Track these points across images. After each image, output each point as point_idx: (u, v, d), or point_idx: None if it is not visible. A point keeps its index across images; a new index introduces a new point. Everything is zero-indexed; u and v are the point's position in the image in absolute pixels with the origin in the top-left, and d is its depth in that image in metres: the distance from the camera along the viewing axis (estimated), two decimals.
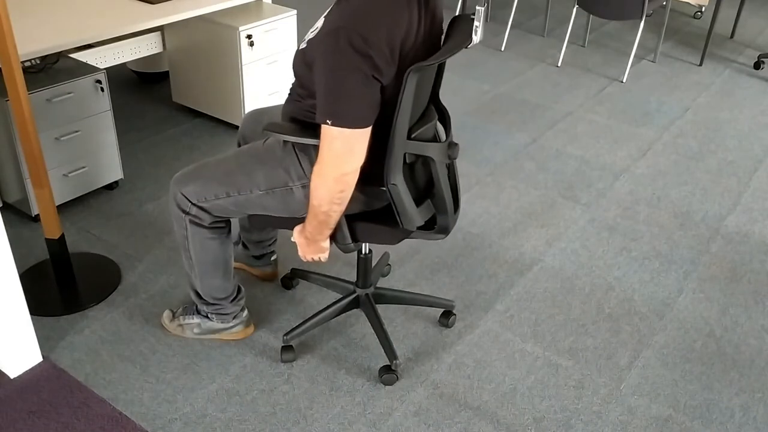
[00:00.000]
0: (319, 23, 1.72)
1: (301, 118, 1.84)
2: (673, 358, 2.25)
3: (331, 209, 1.76)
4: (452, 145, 1.84)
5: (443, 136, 1.92)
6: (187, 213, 1.96)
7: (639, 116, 3.91)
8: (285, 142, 1.87)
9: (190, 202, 1.94)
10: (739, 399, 2.12)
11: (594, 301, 2.49)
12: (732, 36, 5.21)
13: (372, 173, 1.75)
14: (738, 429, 2.02)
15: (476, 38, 1.75)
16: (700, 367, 2.23)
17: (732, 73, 4.55)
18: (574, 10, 4.53)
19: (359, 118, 1.64)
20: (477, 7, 1.81)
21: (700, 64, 4.66)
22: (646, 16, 4.23)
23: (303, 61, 1.74)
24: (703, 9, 5.63)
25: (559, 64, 4.57)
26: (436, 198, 1.88)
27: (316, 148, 1.79)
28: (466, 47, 1.76)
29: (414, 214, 1.82)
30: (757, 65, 4.62)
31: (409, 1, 1.66)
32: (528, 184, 3.19)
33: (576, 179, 3.25)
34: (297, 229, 1.92)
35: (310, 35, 1.74)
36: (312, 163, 1.81)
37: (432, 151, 1.78)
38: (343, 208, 1.78)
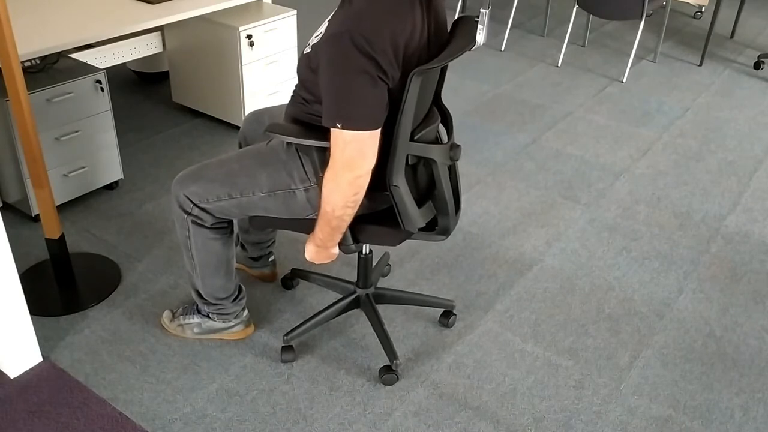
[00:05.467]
0: (323, 27, 1.71)
1: (306, 121, 1.83)
2: (673, 358, 2.25)
3: (344, 213, 1.76)
4: (454, 147, 1.84)
5: (445, 138, 1.92)
6: (189, 214, 1.96)
7: (639, 116, 3.91)
8: (288, 144, 1.86)
9: (192, 203, 1.94)
10: (739, 399, 2.12)
11: (594, 301, 2.49)
12: (732, 36, 5.21)
13: (374, 177, 1.74)
14: (738, 429, 2.02)
15: (480, 41, 1.73)
16: (700, 367, 2.23)
17: (732, 73, 4.55)
18: (574, 10, 4.53)
19: (370, 120, 1.63)
20: (482, 10, 1.80)
21: (700, 64, 4.66)
22: (646, 16, 4.23)
23: (308, 66, 1.73)
24: (703, 9, 5.62)
25: (559, 64, 4.57)
26: (438, 199, 1.88)
27: (319, 150, 1.79)
28: (470, 50, 1.75)
29: (415, 216, 1.82)
30: (757, 65, 4.62)
31: (412, 3, 1.64)
32: (528, 184, 3.19)
33: (576, 179, 3.25)
34: (308, 239, 1.92)
35: (314, 40, 1.73)
36: (314, 166, 1.82)
37: (434, 152, 1.78)
38: (354, 211, 1.77)
